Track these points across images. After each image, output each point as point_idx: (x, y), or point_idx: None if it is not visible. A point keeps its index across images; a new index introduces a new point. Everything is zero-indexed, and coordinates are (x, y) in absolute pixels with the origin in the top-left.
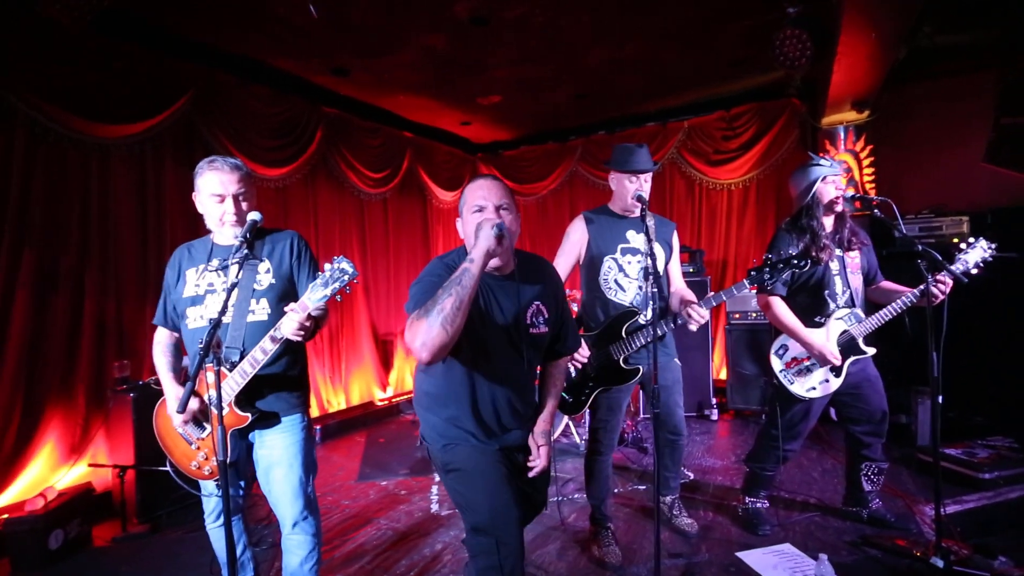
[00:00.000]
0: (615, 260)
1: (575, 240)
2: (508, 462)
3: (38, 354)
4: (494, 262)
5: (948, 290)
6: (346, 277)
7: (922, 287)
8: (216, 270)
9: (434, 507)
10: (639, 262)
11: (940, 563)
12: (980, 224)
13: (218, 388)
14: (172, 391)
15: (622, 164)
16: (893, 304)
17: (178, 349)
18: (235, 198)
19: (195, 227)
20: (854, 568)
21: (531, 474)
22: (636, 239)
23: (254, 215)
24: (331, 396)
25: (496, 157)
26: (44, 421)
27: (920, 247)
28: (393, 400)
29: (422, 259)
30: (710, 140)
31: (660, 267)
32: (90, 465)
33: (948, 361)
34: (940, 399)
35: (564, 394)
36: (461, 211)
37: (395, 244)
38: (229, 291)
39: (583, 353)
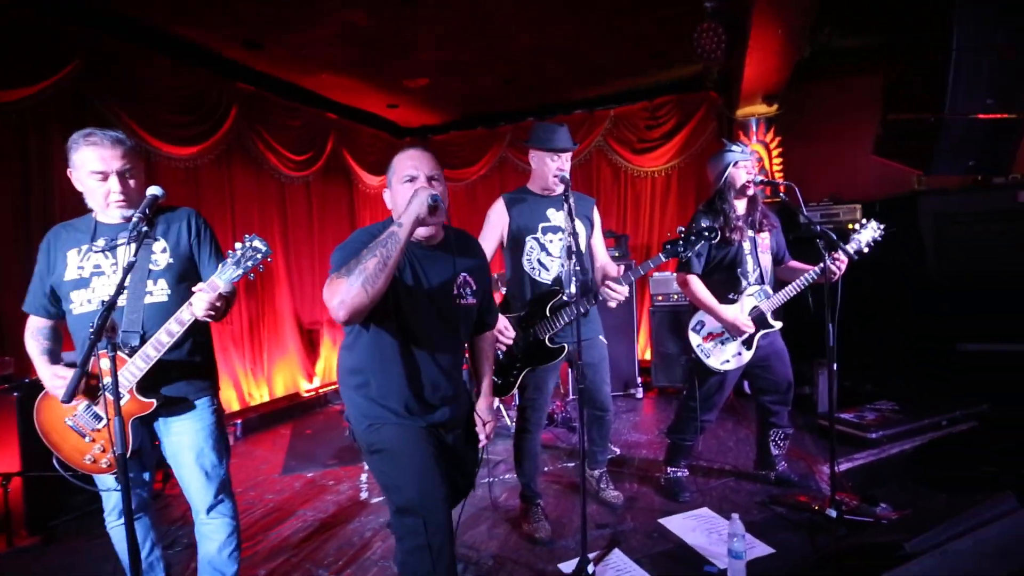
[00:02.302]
0: (536, 240)
1: (495, 222)
2: (435, 441)
3: None
4: (422, 231)
5: (844, 267)
6: (259, 255)
7: (821, 265)
8: (103, 250)
9: (363, 495)
10: (560, 240)
11: (834, 513)
12: (870, 211)
13: (114, 375)
14: (49, 373)
15: (543, 142)
16: (797, 281)
17: (55, 332)
18: (120, 175)
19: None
20: (763, 525)
21: (481, 444)
22: (556, 216)
23: (154, 189)
24: (252, 388)
25: (424, 141)
26: None
27: (819, 228)
28: (320, 391)
29: None
30: (634, 129)
31: (583, 244)
32: None
33: (841, 335)
34: (835, 367)
35: (493, 376)
36: (389, 181)
37: (319, 230)
38: (127, 270)
39: (508, 335)
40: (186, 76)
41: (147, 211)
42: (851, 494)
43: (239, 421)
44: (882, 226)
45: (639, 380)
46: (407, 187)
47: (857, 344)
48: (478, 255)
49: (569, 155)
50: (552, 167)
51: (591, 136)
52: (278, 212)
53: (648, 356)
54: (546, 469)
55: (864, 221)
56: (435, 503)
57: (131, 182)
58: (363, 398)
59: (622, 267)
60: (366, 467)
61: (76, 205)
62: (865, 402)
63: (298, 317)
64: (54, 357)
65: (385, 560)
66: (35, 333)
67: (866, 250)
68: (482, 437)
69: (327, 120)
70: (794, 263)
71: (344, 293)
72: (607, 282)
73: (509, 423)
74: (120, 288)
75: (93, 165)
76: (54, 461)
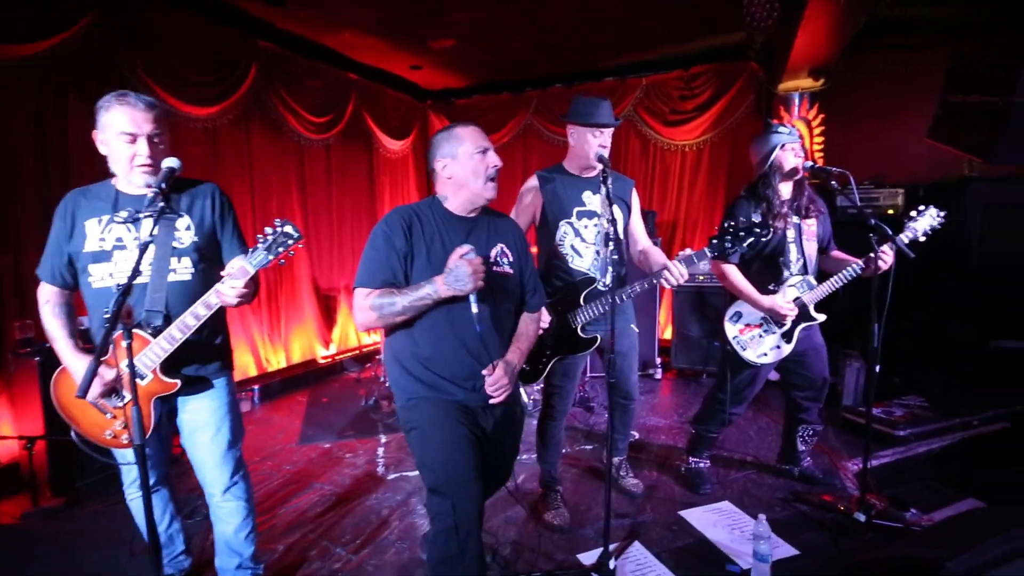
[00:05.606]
0: (571, 224)
1: (528, 202)
2: (472, 422)
3: None
4: (463, 206)
5: (891, 260)
6: (290, 241)
7: (867, 257)
8: (125, 222)
9: (380, 469)
10: (596, 226)
11: (862, 517)
12: (914, 197)
13: (130, 360)
14: (74, 363)
15: (585, 116)
16: (842, 273)
17: (71, 308)
18: (149, 139)
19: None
20: (786, 523)
21: (487, 391)
22: (592, 201)
23: (171, 162)
24: (270, 355)
25: (448, 105)
26: None
27: (873, 221)
28: (336, 357)
29: (366, 211)
30: (667, 100)
31: (620, 230)
32: None
33: (869, 325)
34: (878, 369)
35: None
36: (454, 153)
37: (338, 194)
38: (142, 250)
39: (544, 319)
40: (207, 32)
41: (164, 185)
42: (879, 496)
43: (256, 387)
44: (942, 213)
45: (658, 360)
46: (479, 158)
47: (885, 334)
48: (513, 228)
49: (611, 132)
50: (594, 144)
51: (621, 106)
52: (296, 176)
53: (668, 336)
54: (564, 451)
55: (922, 208)
56: (464, 486)
57: (160, 147)
58: (401, 372)
59: (686, 251)
60: (383, 440)
61: (96, 166)
62: (892, 396)
63: (316, 283)
64: (75, 339)
65: (402, 541)
66: (55, 310)
67: (922, 239)
68: (488, 387)
69: (349, 81)
70: (838, 253)
71: (366, 319)
72: (667, 265)
73: (527, 401)
74: (136, 270)
75: (123, 126)
76: (72, 434)
